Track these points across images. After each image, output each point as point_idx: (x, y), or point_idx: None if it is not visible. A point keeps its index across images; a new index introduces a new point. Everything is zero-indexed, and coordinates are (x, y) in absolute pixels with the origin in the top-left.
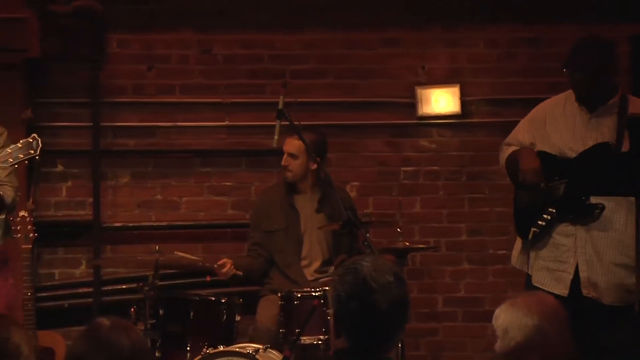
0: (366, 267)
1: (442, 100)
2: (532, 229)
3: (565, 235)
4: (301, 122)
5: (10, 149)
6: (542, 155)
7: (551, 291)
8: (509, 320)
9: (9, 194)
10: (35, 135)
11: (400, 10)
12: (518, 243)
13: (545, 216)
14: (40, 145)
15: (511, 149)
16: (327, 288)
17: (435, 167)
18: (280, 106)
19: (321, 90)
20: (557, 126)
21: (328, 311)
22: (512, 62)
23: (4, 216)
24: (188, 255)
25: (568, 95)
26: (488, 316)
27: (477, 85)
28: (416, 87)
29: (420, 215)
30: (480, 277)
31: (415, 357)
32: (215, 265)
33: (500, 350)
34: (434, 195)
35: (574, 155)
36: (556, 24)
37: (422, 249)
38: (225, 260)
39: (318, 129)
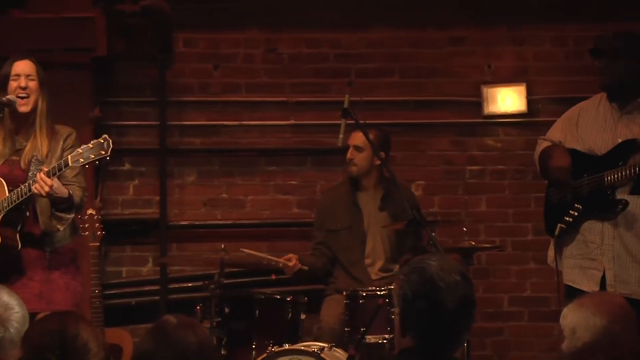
0: (433, 266)
1: (508, 99)
2: (559, 224)
3: (594, 233)
4: (366, 121)
5: (81, 149)
6: (572, 153)
7: (582, 289)
8: (576, 320)
9: (77, 193)
10: (106, 135)
11: (466, 8)
12: (552, 242)
13: (572, 212)
14: (111, 146)
15: (545, 144)
16: (391, 287)
17: (501, 166)
18: (345, 105)
19: (387, 89)
20: (588, 124)
21: (393, 310)
22: (579, 61)
23: (72, 215)
24: (254, 252)
25: (603, 95)
26: (554, 316)
27: (543, 84)
28: (482, 86)
29: (486, 215)
30: (546, 276)
31: (481, 357)
32: (281, 261)
33: (567, 350)
34: (499, 195)
35: (602, 152)
36: (623, 22)
37: (487, 248)
38: (290, 255)
39: (383, 127)
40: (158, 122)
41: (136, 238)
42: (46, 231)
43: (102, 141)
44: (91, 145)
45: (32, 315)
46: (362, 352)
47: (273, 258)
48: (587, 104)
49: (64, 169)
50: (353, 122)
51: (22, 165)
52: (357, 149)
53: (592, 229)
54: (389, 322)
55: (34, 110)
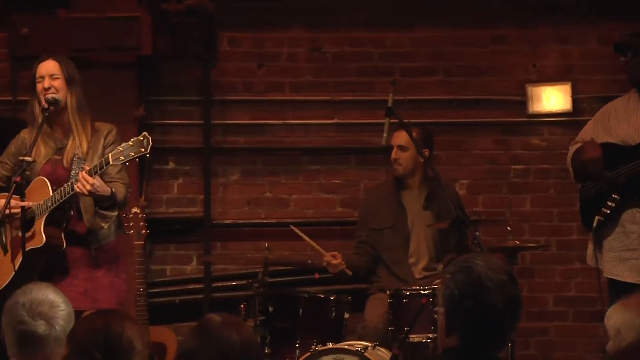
0: (480, 265)
1: (553, 98)
2: (597, 217)
3: (634, 222)
4: (410, 120)
5: (121, 147)
6: (606, 146)
7: (624, 280)
8: (621, 320)
9: (120, 190)
10: (145, 133)
11: (510, 7)
12: (589, 241)
13: (609, 203)
14: (151, 143)
15: (576, 146)
16: (435, 286)
17: (545, 165)
18: (389, 104)
19: (431, 87)
20: (619, 118)
21: (436, 309)
22: None
23: (116, 212)
24: (304, 236)
25: (632, 91)
26: (599, 316)
27: (588, 83)
28: (527, 85)
29: (531, 214)
30: (591, 276)
31: (525, 357)
32: (327, 256)
33: (612, 351)
34: (544, 194)
35: (636, 142)
36: None
37: (532, 247)
38: (336, 253)
39: (427, 126)
40: (202, 121)
41: (180, 237)
42: (91, 229)
43: (142, 139)
44: (131, 143)
45: (78, 314)
46: (405, 351)
47: (319, 248)
48: (617, 101)
49: (105, 167)
50: (397, 121)
51: (65, 164)
52: (402, 148)
53: (632, 218)
54: (433, 321)
55: (65, 107)
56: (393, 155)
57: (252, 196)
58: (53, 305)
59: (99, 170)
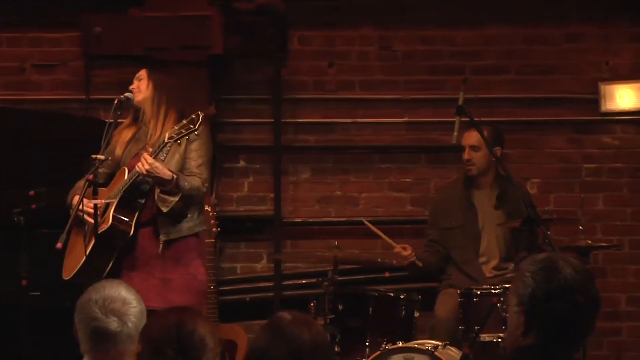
0: (563, 265)
1: (626, 97)
2: None
3: None
4: (481, 119)
5: (176, 126)
6: None
7: None
8: None
9: (193, 182)
10: (199, 112)
11: (583, 4)
12: None
13: None
14: (200, 120)
15: None
16: (507, 285)
17: (618, 164)
18: (460, 102)
19: (502, 86)
20: None
21: (507, 307)
22: None
23: (176, 198)
24: (375, 229)
25: None
26: None
27: None
28: (599, 83)
29: (603, 213)
30: None
31: (598, 357)
32: (396, 248)
33: None
34: (617, 193)
35: None
36: None
37: (604, 247)
38: (407, 245)
39: (497, 124)
40: (273, 120)
41: (251, 235)
42: (169, 222)
43: (195, 117)
44: (185, 121)
45: (153, 311)
46: (476, 350)
47: (390, 241)
48: None
49: (163, 145)
50: (468, 119)
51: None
52: (474, 148)
53: None
54: (504, 320)
55: (148, 107)
56: (466, 155)
57: (322, 194)
58: (125, 302)
59: (158, 150)
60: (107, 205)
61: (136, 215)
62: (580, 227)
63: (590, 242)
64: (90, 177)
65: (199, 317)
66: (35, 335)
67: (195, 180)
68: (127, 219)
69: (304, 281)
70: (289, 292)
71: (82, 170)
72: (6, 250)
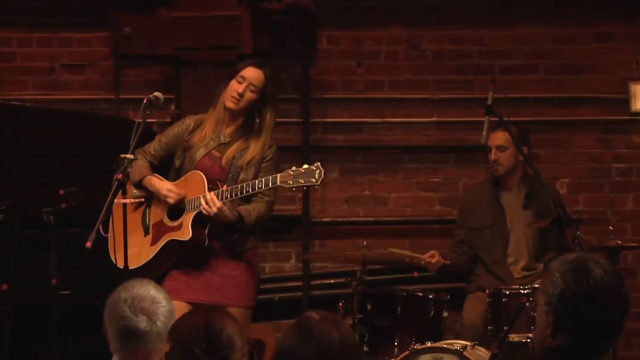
0: (594, 266)
1: None
2: None
3: None
4: (510, 118)
5: (292, 171)
6: None
7: None
8: None
9: (257, 210)
10: (319, 163)
11: (613, 4)
12: None
13: None
14: (323, 176)
15: None
16: (536, 286)
17: None
18: (489, 102)
19: (531, 85)
20: None
21: (536, 307)
22: None
23: (244, 232)
24: (399, 251)
25: None
26: None
27: None
28: (629, 83)
29: (633, 213)
30: None
31: (628, 358)
32: (424, 259)
33: None
34: None
35: None
36: None
37: (634, 247)
38: (433, 252)
39: (526, 125)
40: (301, 119)
41: (279, 234)
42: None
43: (315, 169)
44: (302, 170)
45: (209, 308)
46: (505, 350)
47: (417, 256)
48: None
49: (270, 186)
50: (497, 119)
51: (224, 163)
52: (500, 148)
53: None
54: (533, 321)
55: (246, 113)
56: (492, 156)
57: (350, 194)
58: (155, 301)
59: (263, 187)
60: (180, 207)
61: (209, 225)
62: (610, 227)
63: (620, 242)
64: (120, 176)
65: (227, 317)
66: (65, 334)
67: (261, 207)
68: (203, 230)
69: (332, 281)
70: (317, 292)
71: (112, 169)
72: (36, 249)
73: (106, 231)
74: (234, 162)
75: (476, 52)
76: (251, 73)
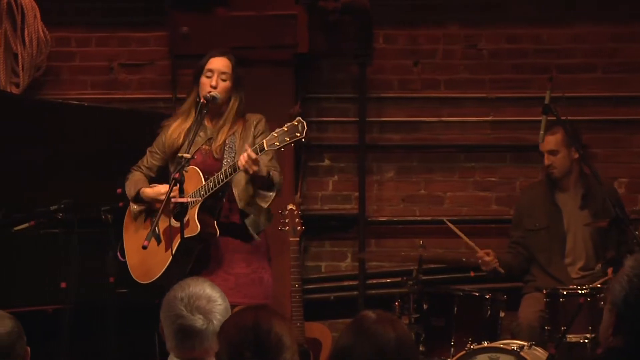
0: None
1: None
2: None
3: None
4: (567, 118)
5: (276, 132)
6: None
7: None
8: None
9: (275, 174)
10: (300, 118)
11: None
12: None
13: None
14: (306, 128)
15: None
16: (598, 286)
17: None
18: (546, 101)
19: (589, 84)
20: None
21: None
22: None
23: (274, 193)
24: (458, 231)
25: None
26: None
27: None
28: None
29: None
30: None
31: None
32: (479, 253)
33: None
34: None
35: None
36: None
37: None
38: (490, 250)
39: (585, 124)
40: (358, 119)
41: (335, 233)
42: (243, 220)
43: (296, 123)
44: (285, 129)
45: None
46: (562, 351)
47: (473, 244)
48: None
49: (259, 154)
50: (554, 118)
51: (215, 154)
52: (552, 152)
53: None
54: (591, 321)
55: (224, 105)
56: (546, 161)
57: (407, 193)
58: (210, 299)
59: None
60: (183, 206)
61: (217, 216)
62: None
63: None
64: (177, 175)
65: (274, 316)
66: (123, 332)
67: (274, 173)
68: (211, 222)
69: (388, 280)
70: (374, 291)
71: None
72: (94, 248)
73: (123, 255)
74: (226, 148)
75: (533, 51)
76: (217, 63)
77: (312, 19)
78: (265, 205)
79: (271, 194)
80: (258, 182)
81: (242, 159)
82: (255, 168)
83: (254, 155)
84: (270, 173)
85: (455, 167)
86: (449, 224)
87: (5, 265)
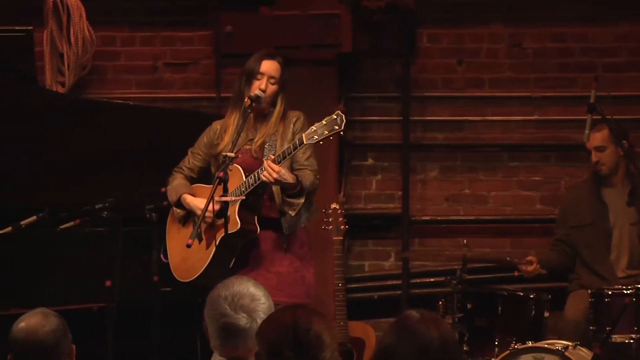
0: None
1: None
2: None
3: None
4: (613, 117)
5: (315, 126)
6: None
7: None
8: None
9: (308, 177)
10: (339, 111)
11: None
12: None
13: None
14: (345, 120)
15: None
16: (639, 286)
17: None
18: (591, 100)
19: (634, 83)
20: None
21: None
22: None
23: (303, 200)
24: (493, 252)
25: None
26: None
27: None
28: None
29: None
30: None
31: None
32: (522, 262)
33: None
34: None
35: None
36: None
37: None
38: (532, 257)
39: (630, 123)
40: (401, 118)
41: (379, 232)
42: (283, 214)
43: (335, 117)
44: (325, 122)
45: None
46: (607, 351)
47: (513, 261)
48: None
49: (299, 148)
50: (599, 117)
51: (253, 153)
52: (599, 149)
53: None
54: (636, 321)
55: (269, 107)
56: (593, 158)
57: (450, 193)
58: (254, 298)
59: (293, 152)
60: (224, 205)
61: (257, 213)
62: None
63: None
64: (221, 174)
65: (314, 314)
66: (167, 330)
67: (308, 174)
68: (251, 218)
69: (431, 279)
70: (417, 291)
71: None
72: (139, 247)
73: (166, 256)
74: (265, 146)
75: (579, 50)
76: (268, 66)
77: (355, 18)
78: (292, 213)
79: (299, 201)
80: (287, 189)
81: (265, 172)
82: (275, 176)
83: (276, 168)
84: (300, 178)
85: (499, 167)
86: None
87: (51, 263)
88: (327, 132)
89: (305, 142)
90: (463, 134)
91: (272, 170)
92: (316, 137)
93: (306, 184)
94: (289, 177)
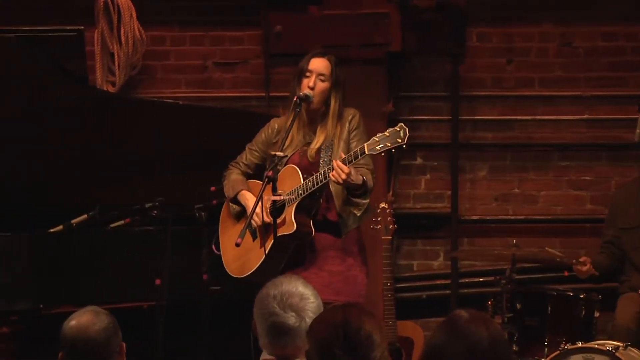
0: None
1: None
2: None
3: None
4: None
5: (377, 137)
6: None
7: None
8: None
9: (368, 177)
10: (402, 124)
11: None
12: None
13: None
14: (407, 134)
15: None
16: None
17: None
18: None
19: None
20: None
21: None
22: None
23: (367, 200)
24: (551, 250)
25: None
26: None
27: None
28: None
29: None
30: None
31: None
32: (574, 262)
33: None
34: None
35: None
36: None
37: None
38: (585, 258)
39: None
40: (450, 117)
41: (427, 232)
42: (341, 215)
43: (399, 129)
44: (387, 134)
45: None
46: None
47: (564, 260)
48: None
49: (360, 157)
50: None
51: (309, 157)
52: None
53: None
54: None
55: (322, 108)
56: None
57: (500, 192)
58: (303, 297)
59: (353, 160)
60: (279, 203)
61: (314, 215)
62: None
63: None
64: (269, 173)
65: (364, 313)
66: (217, 329)
67: (367, 173)
68: (307, 221)
69: (481, 279)
70: (466, 290)
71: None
72: (188, 245)
73: (218, 249)
74: (322, 147)
75: (630, 49)
76: (317, 64)
77: (405, 17)
78: (358, 213)
79: (365, 201)
80: (353, 189)
81: (334, 172)
82: (343, 177)
83: (345, 169)
84: (365, 179)
85: (549, 166)
86: (548, 250)
87: (101, 261)
88: (389, 144)
89: (367, 152)
90: (513, 133)
91: (341, 171)
92: (378, 148)
93: (369, 182)
94: (356, 179)
